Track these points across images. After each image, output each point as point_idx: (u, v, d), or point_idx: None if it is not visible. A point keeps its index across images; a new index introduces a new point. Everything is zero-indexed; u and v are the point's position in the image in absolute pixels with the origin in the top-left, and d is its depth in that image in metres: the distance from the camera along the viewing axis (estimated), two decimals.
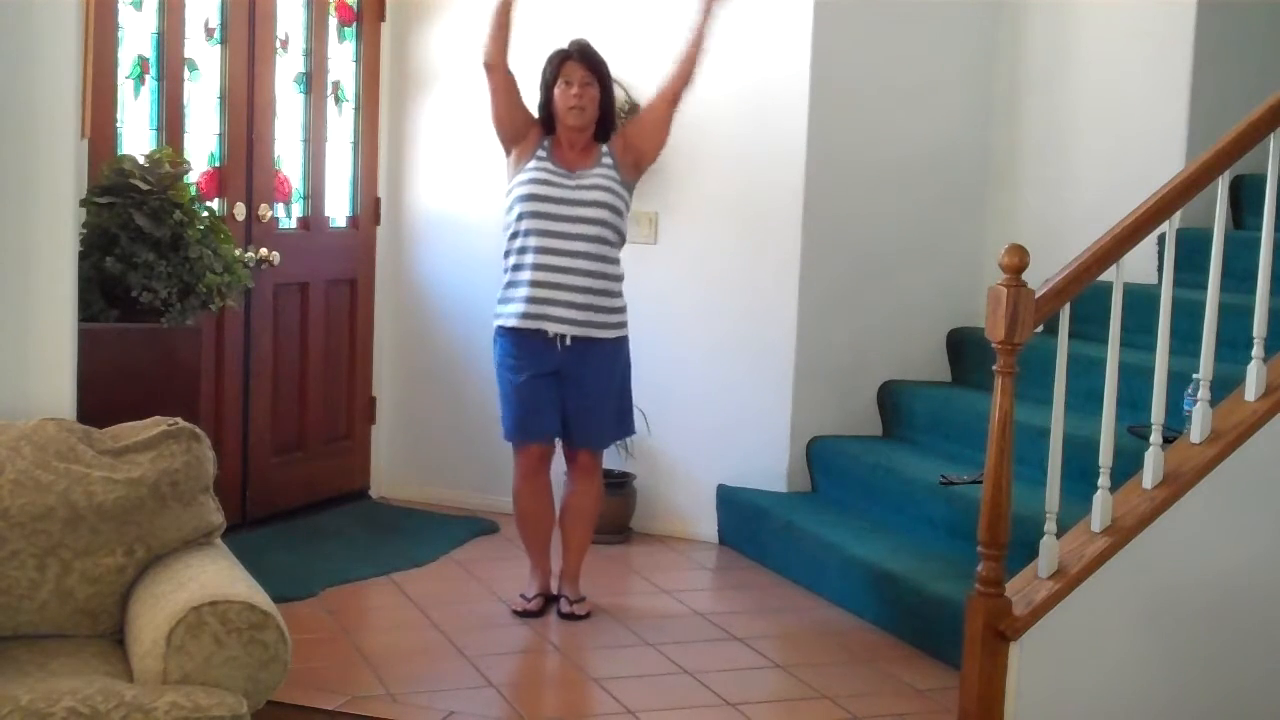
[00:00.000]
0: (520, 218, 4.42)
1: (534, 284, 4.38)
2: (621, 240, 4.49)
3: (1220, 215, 3.68)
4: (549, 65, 4.48)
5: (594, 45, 4.50)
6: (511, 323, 4.43)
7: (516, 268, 4.43)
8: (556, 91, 4.43)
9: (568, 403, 4.48)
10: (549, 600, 4.61)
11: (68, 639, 2.98)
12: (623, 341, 4.52)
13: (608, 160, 4.46)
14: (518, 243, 4.43)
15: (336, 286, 5.77)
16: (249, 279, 4.46)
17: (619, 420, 4.61)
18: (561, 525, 4.64)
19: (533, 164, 4.44)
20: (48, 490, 2.98)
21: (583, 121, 4.42)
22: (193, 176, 4.75)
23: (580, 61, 4.43)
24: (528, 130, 4.49)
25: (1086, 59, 5.46)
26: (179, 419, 3.18)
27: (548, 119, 4.48)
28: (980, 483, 3.52)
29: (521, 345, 4.43)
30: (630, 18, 5.50)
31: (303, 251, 5.53)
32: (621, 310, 4.50)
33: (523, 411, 4.46)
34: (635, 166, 4.53)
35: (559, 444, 4.60)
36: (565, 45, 4.49)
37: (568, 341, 4.39)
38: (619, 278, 4.49)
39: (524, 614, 4.52)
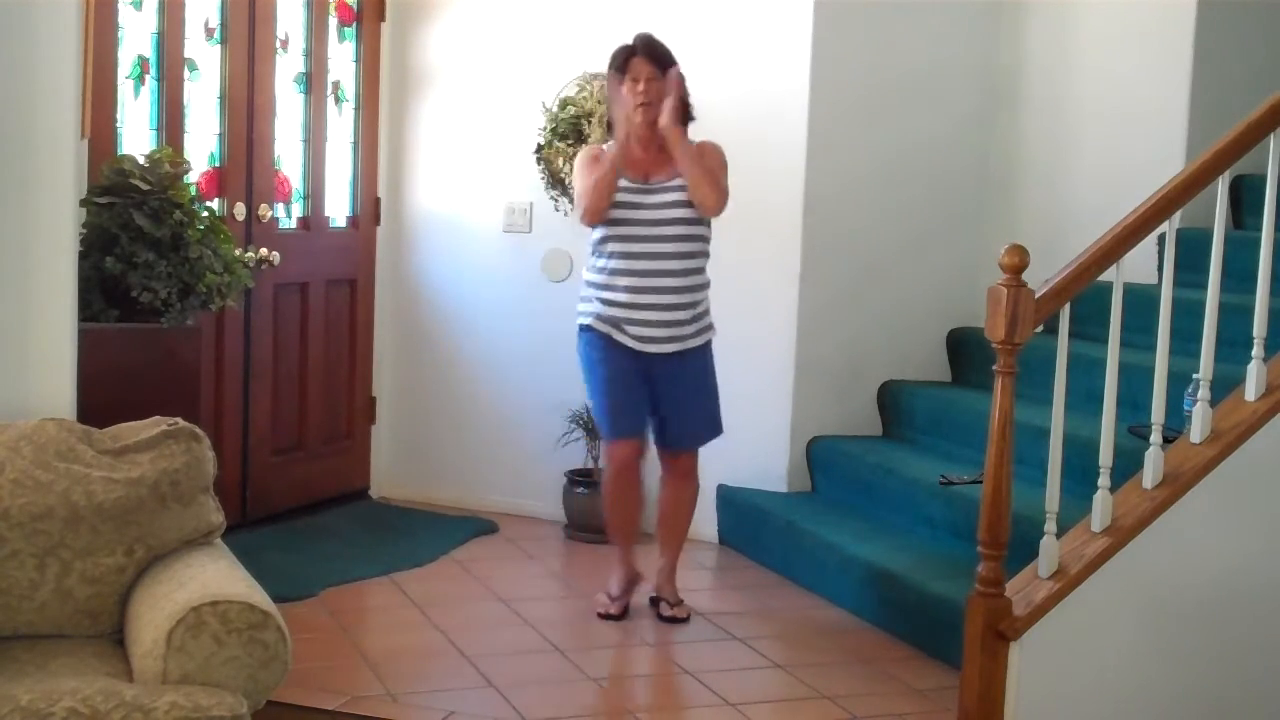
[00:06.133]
0: (599, 232, 4.39)
1: (617, 303, 4.37)
2: (707, 244, 4.44)
3: (1220, 215, 3.68)
4: (614, 63, 4.41)
5: (658, 38, 4.43)
6: (589, 322, 4.44)
7: (601, 275, 4.40)
8: (624, 90, 4.37)
9: (660, 407, 4.49)
10: (628, 598, 4.58)
11: (68, 639, 2.98)
12: (707, 346, 4.51)
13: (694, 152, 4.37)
14: (600, 259, 4.41)
15: (336, 286, 5.77)
16: (249, 279, 4.46)
17: (710, 421, 4.58)
18: (659, 526, 4.67)
19: None
20: (48, 490, 2.98)
21: (652, 117, 4.35)
22: (193, 176, 4.75)
23: (645, 57, 4.35)
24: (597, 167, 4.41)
25: (1086, 59, 5.46)
26: (179, 419, 3.18)
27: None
28: (980, 483, 3.52)
29: (603, 345, 4.42)
30: (632, 17, 5.48)
31: (303, 251, 5.53)
32: (706, 315, 4.50)
33: (614, 407, 4.46)
34: None
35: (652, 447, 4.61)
36: (630, 41, 4.42)
37: (651, 350, 4.40)
38: (703, 286, 4.47)
39: (605, 617, 4.51)
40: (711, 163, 4.42)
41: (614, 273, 4.37)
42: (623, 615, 4.54)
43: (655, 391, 4.47)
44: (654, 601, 4.62)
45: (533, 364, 5.70)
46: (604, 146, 4.51)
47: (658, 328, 4.38)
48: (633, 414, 4.47)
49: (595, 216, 4.36)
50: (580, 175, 4.46)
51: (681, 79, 4.40)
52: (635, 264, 4.35)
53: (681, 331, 4.41)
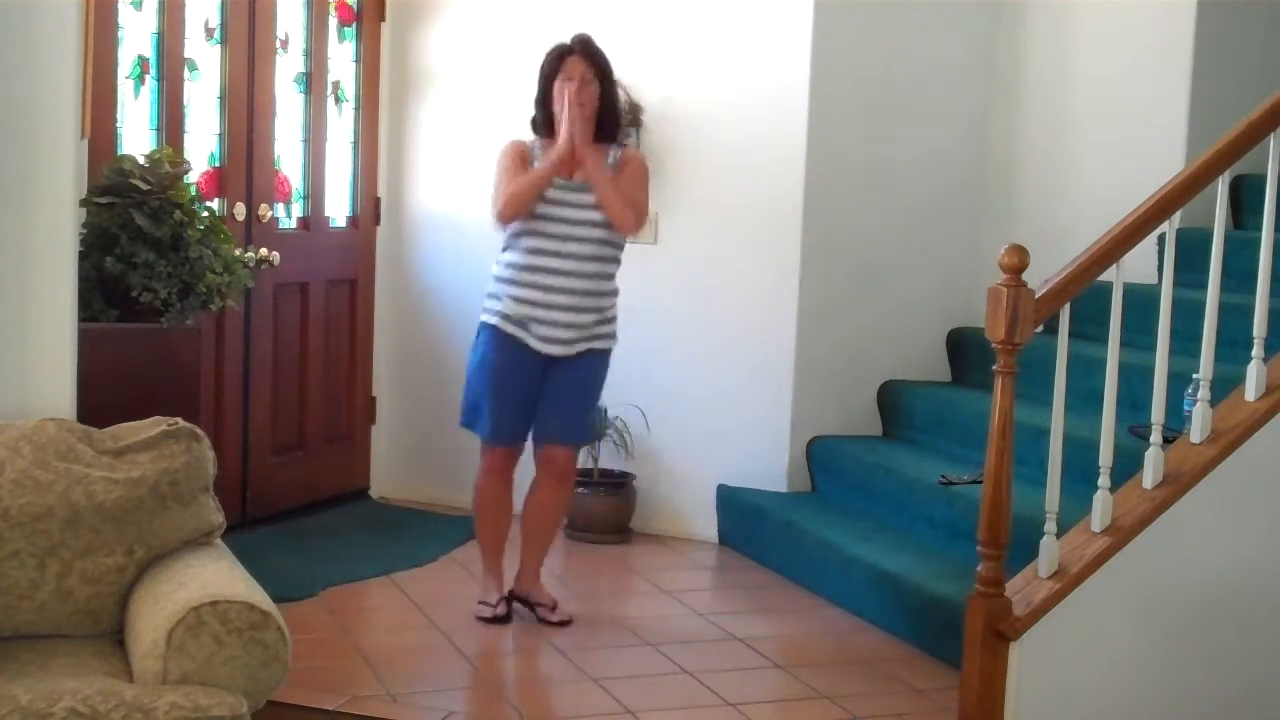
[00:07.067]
0: (516, 226, 4.32)
1: (526, 300, 4.29)
2: (620, 252, 4.38)
3: (1220, 215, 3.69)
4: (549, 60, 4.35)
5: (596, 41, 4.40)
6: (495, 321, 4.36)
7: (512, 271, 4.32)
8: (555, 87, 4.31)
9: (543, 399, 4.38)
10: (510, 601, 4.51)
11: (68, 639, 2.98)
12: (606, 353, 4.43)
13: (610, 173, 4.33)
14: (514, 253, 4.33)
15: (336, 286, 5.76)
16: (249, 279, 4.46)
17: (582, 421, 4.50)
18: (524, 526, 4.55)
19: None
20: (48, 490, 2.98)
21: (583, 115, 4.27)
22: (193, 176, 4.75)
23: (581, 57, 4.31)
24: (521, 165, 4.37)
25: (1086, 59, 5.46)
26: (179, 419, 3.18)
27: (547, 117, 4.36)
28: (980, 483, 3.52)
29: (505, 346, 4.34)
30: (632, 16, 5.49)
31: (303, 251, 5.52)
32: (610, 321, 4.41)
33: (501, 416, 4.38)
34: None
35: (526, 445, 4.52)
36: (567, 40, 4.38)
37: (554, 352, 4.32)
38: (612, 293, 4.39)
39: (493, 620, 4.42)
40: (631, 177, 4.35)
41: (528, 269, 4.29)
42: (508, 617, 4.45)
43: (542, 387, 4.38)
44: (522, 602, 4.51)
45: None
46: (528, 142, 4.42)
47: (563, 329, 4.29)
48: (519, 424, 4.41)
49: (512, 219, 4.31)
50: (501, 169, 4.38)
51: (612, 90, 4.36)
52: (551, 261, 4.27)
53: (584, 334, 4.33)
